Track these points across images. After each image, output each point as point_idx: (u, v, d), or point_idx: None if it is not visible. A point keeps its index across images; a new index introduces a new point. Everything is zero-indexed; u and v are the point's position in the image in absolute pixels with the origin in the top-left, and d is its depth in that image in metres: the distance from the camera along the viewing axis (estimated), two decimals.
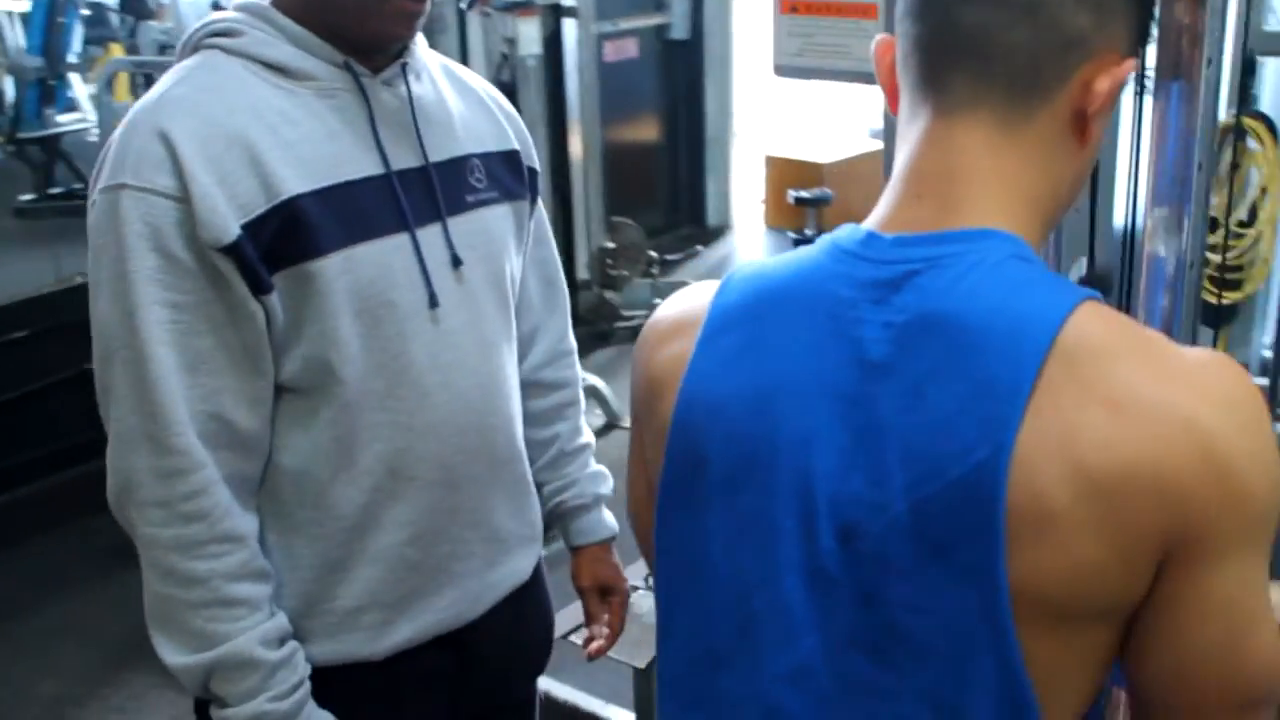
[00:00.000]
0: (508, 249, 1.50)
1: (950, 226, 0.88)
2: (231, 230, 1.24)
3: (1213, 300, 3.39)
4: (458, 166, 1.45)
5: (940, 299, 0.85)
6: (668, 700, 1.03)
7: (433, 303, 1.37)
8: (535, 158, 1.58)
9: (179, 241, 1.24)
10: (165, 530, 1.27)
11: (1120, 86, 0.90)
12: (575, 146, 5.07)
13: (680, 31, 6.19)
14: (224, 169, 1.25)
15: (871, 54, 1.01)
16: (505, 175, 1.51)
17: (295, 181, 1.28)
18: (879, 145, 5.74)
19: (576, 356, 1.73)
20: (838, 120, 8.14)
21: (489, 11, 4.62)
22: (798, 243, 6.53)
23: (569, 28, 5.03)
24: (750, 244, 6.78)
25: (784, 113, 8.40)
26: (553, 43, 4.98)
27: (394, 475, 1.39)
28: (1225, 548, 0.81)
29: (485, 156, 1.49)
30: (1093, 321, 0.84)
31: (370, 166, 1.35)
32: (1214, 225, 3.49)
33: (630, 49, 5.92)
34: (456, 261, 1.40)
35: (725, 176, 6.84)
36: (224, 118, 1.27)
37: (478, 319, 1.43)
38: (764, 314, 0.93)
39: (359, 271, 1.32)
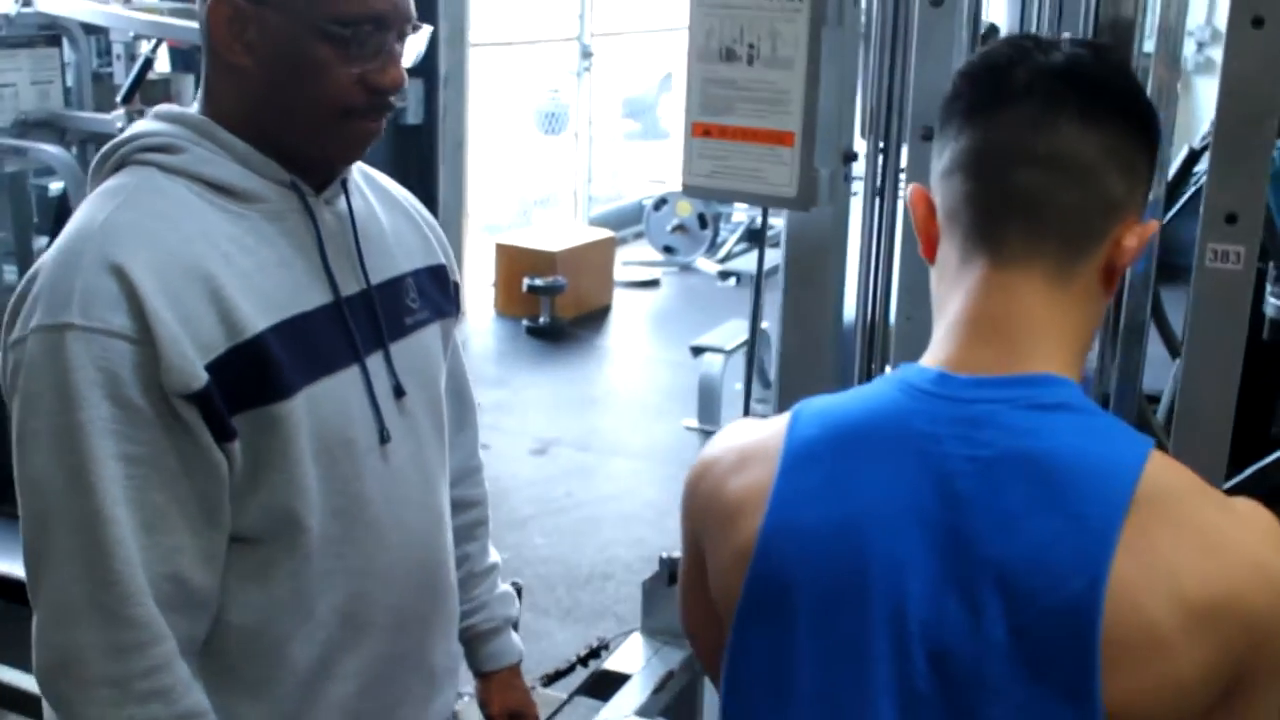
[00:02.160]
0: (440, 370, 1.46)
1: (1016, 370, 0.98)
2: (199, 375, 1.14)
3: None
4: (395, 287, 1.39)
5: (1024, 438, 0.95)
6: None
7: (383, 437, 1.31)
8: (457, 269, 1.55)
9: (136, 388, 1.12)
10: (116, 711, 1.13)
11: (1144, 244, 1.01)
12: None
13: (414, 117, 6.15)
14: (185, 306, 1.15)
15: (907, 200, 1.12)
16: (434, 292, 1.46)
17: (257, 317, 1.19)
18: (605, 234, 5.93)
19: (483, 473, 1.69)
20: (558, 213, 8.28)
21: None
22: (531, 330, 6.61)
23: None
24: (480, 331, 6.76)
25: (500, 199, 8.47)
26: None
27: (348, 624, 1.31)
28: (1276, 670, 0.93)
29: (416, 274, 1.44)
30: (1166, 468, 0.95)
31: (320, 294, 1.27)
32: None
33: None
34: (399, 391, 1.34)
35: (459, 263, 6.80)
36: (180, 247, 1.17)
37: (419, 449, 1.38)
38: (847, 447, 0.99)
39: (320, 411, 1.24)
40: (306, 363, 1.23)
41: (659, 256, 7.79)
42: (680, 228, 7.69)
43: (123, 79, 4.06)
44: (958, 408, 0.97)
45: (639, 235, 8.17)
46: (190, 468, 1.16)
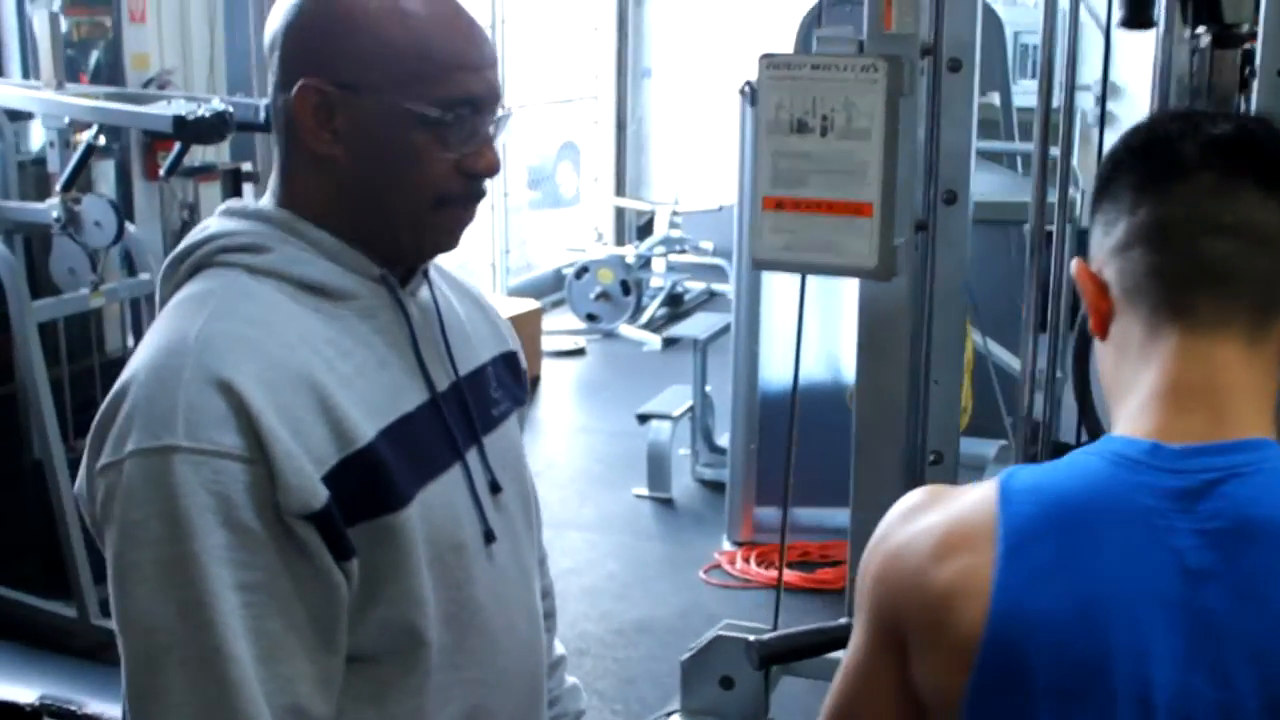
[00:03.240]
0: (525, 461, 1.41)
1: (1226, 437, 0.98)
2: (319, 493, 1.07)
3: None
4: (480, 378, 1.34)
5: (1255, 507, 0.94)
6: None
7: (489, 538, 1.24)
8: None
9: (250, 510, 1.05)
10: None
11: None
12: None
13: None
14: (296, 419, 1.08)
15: (1073, 275, 1.10)
16: (509, 380, 1.41)
17: (366, 424, 1.12)
18: (531, 304, 5.77)
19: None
20: None
21: (164, 179, 4.31)
22: None
23: (248, 193, 4.80)
24: None
25: None
26: None
27: None
28: None
29: (494, 362, 1.38)
30: None
31: (418, 393, 1.21)
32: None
33: None
34: (496, 487, 1.28)
35: None
36: (284, 356, 1.10)
37: (516, 546, 1.32)
38: (1070, 525, 0.97)
39: (432, 516, 1.17)
40: (415, 467, 1.17)
41: (581, 324, 7.76)
42: (604, 295, 7.69)
43: (56, 167, 3.91)
44: (1178, 479, 0.96)
45: (557, 304, 8.14)
46: (304, 590, 1.09)
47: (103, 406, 1.11)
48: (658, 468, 5.22)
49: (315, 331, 1.14)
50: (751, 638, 1.64)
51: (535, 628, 1.36)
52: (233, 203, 1.22)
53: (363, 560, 1.12)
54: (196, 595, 1.03)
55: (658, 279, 8.39)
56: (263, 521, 1.05)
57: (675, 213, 8.65)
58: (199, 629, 1.03)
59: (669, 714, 2.22)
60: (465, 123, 1.16)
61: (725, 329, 5.58)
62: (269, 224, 1.18)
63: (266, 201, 1.21)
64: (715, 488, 5.29)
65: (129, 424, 1.07)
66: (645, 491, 5.22)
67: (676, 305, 8.25)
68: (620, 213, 9.37)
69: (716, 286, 8.61)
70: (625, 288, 7.69)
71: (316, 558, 1.08)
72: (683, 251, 8.57)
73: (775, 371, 4.75)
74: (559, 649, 1.60)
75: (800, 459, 4.61)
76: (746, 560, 4.62)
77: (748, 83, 4.50)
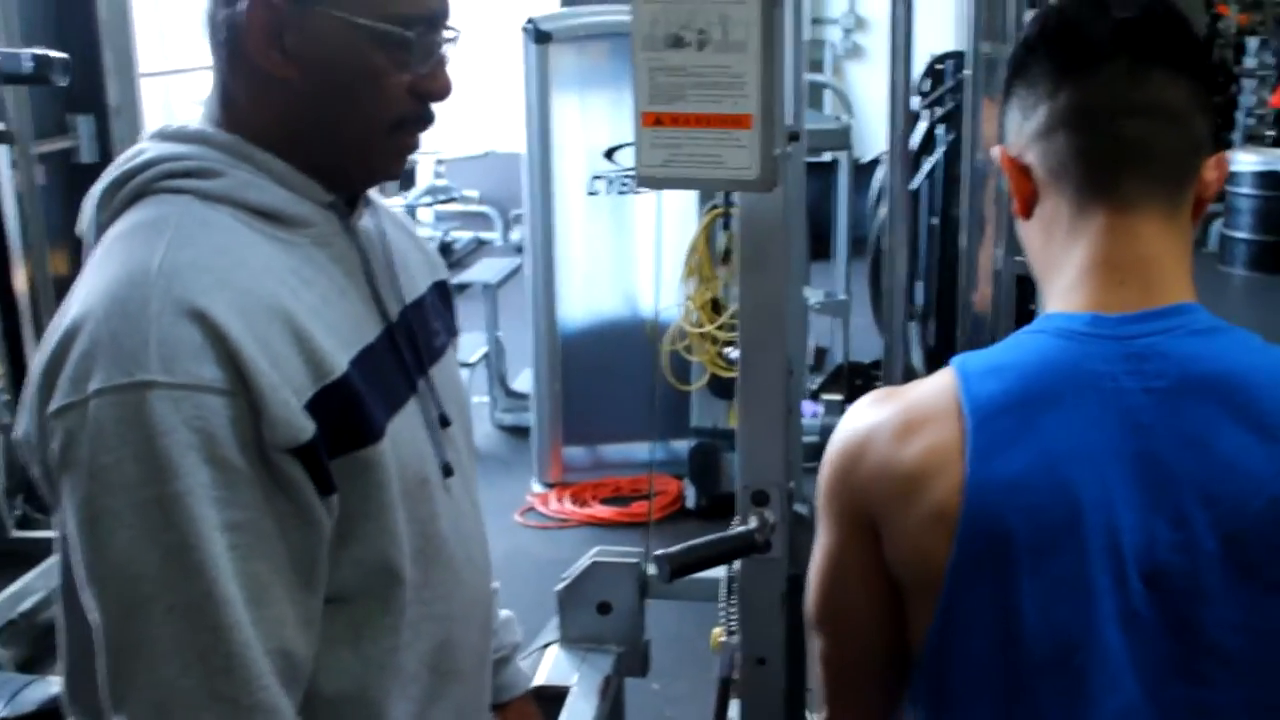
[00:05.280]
0: (467, 393, 1.39)
1: (1158, 304, 1.06)
2: (306, 426, 1.03)
3: (723, 374, 3.84)
4: (422, 308, 1.31)
5: (1194, 363, 1.03)
6: None
7: (447, 471, 1.23)
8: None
9: (234, 447, 1.00)
10: None
11: (1225, 176, 1.13)
12: (20, 280, 4.49)
13: (87, 155, 5.68)
14: (273, 350, 1.04)
15: (995, 162, 1.17)
16: (443, 310, 1.39)
17: (338, 354, 1.09)
18: None
19: None
20: None
21: None
22: None
23: (1, 153, 4.46)
24: None
25: None
26: None
27: (436, 674, 1.23)
28: None
29: (430, 291, 1.36)
30: None
31: (375, 323, 1.18)
32: (716, 306, 3.96)
33: (38, 175, 5.33)
34: (445, 420, 1.26)
35: None
36: (254, 284, 1.06)
37: (466, 480, 1.31)
38: (1031, 397, 1.04)
39: (400, 450, 1.15)
40: (383, 399, 1.14)
41: None
42: None
43: None
44: (1121, 345, 1.03)
45: None
46: (287, 529, 1.05)
47: (47, 347, 1.03)
48: None
49: (278, 260, 1.09)
50: (659, 552, 1.67)
51: (487, 561, 1.36)
52: (169, 127, 1.14)
53: (341, 496, 1.08)
54: (182, 538, 0.98)
55: (426, 230, 8.26)
56: (247, 458, 1.01)
57: (439, 160, 8.52)
58: (187, 573, 0.98)
59: (546, 646, 2.22)
60: (423, 42, 1.12)
61: (515, 272, 5.58)
62: (216, 147, 1.12)
63: (202, 124, 1.14)
64: (516, 432, 5.30)
65: (89, 362, 0.99)
66: None
67: (446, 256, 8.15)
68: None
69: (484, 234, 8.56)
70: None
71: (300, 494, 1.04)
72: (449, 200, 8.46)
73: (572, 310, 4.77)
74: (493, 581, 1.59)
75: (604, 397, 4.70)
76: (560, 500, 4.65)
77: (530, 20, 4.47)
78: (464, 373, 5.12)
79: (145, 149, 1.13)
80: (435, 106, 1.18)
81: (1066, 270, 1.09)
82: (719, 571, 2.17)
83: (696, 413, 4.44)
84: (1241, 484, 0.99)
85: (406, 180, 8.87)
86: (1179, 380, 1.02)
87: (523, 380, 5.34)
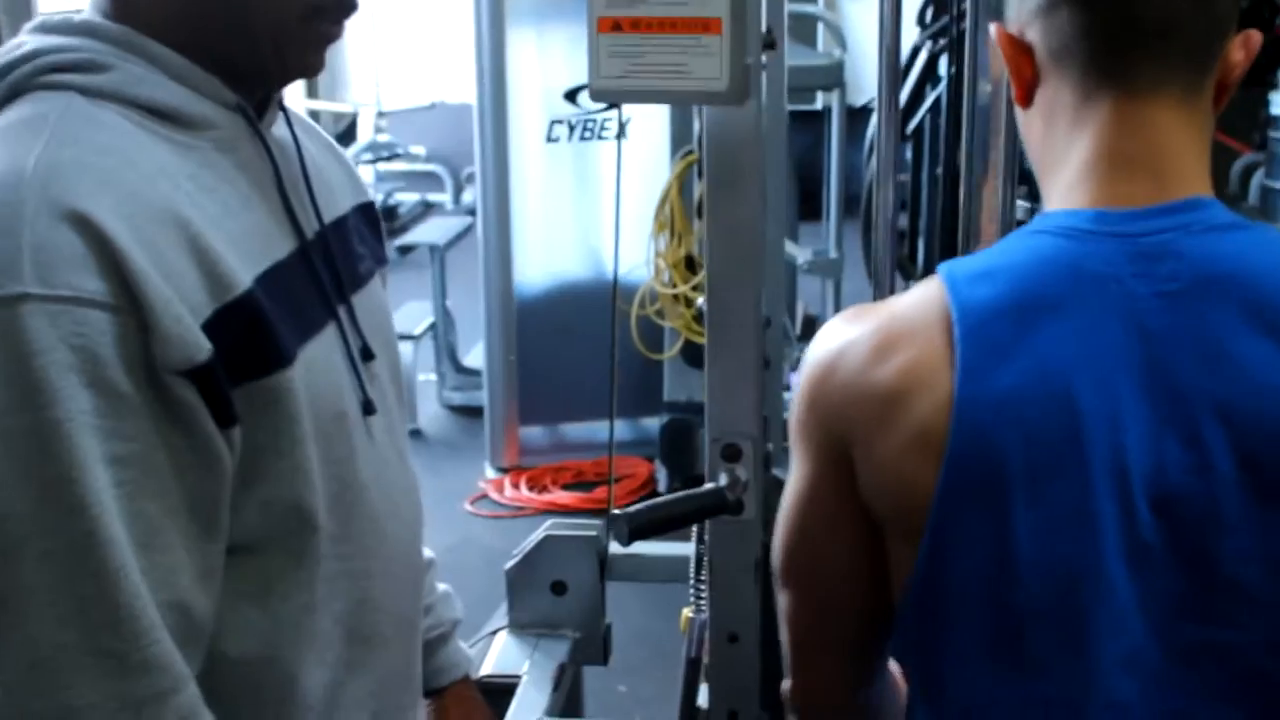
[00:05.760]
0: (395, 330, 1.38)
1: (1171, 198, 1.04)
2: (202, 345, 1.02)
3: (699, 340, 3.84)
4: (343, 229, 1.30)
5: (1212, 264, 1.02)
6: None
7: (368, 408, 1.22)
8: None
9: (120, 368, 0.98)
10: None
11: (1253, 56, 1.11)
12: None
13: None
14: (165, 260, 1.02)
15: (991, 42, 1.18)
16: (369, 235, 1.38)
17: (241, 269, 1.07)
18: None
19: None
20: None
21: None
22: None
23: None
24: None
25: None
26: None
27: (354, 639, 1.22)
28: None
29: (354, 213, 1.35)
30: None
31: (286, 240, 1.17)
32: (690, 264, 3.95)
33: None
34: (368, 353, 1.25)
35: None
36: (143, 187, 1.04)
37: (391, 423, 1.29)
38: (1027, 302, 1.03)
39: (314, 380, 1.14)
40: (294, 322, 1.13)
41: None
42: None
43: None
44: (1128, 243, 1.02)
45: None
46: (182, 465, 1.03)
47: None
48: None
49: (172, 163, 1.08)
50: (617, 511, 1.66)
51: (414, 515, 1.35)
52: (51, 16, 1.12)
53: (244, 429, 1.07)
54: (60, 471, 0.96)
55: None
56: (134, 382, 0.99)
57: (380, 114, 8.48)
58: (66, 512, 0.96)
59: (494, 633, 2.21)
60: None
61: (466, 232, 5.56)
62: (103, 39, 1.10)
63: (89, 14, 1.13)
64: (467, 412, 5.29)
65: None
66: None
67: (390, 220, 8.11)
68: (315, 117, 9.11)
69: (432, 197, 8.53)
70: None
71: (196, 425, 1.03)
72: (392, 158, 8.43)
73: (530, 274, 4.76)
74: (427, 552, 1.58)
75: (563, 369, 4.69)
76: (516, 486, 4.65)
77: None
78: (407, 346, 5.11)
79: (24, 41, 1.12)
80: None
81: (1069, 164, 1.08)
82: (688, 548, 2.17)
83: (669, 385, 4.43)
84: (1263, 398, 0.98)
85: (345, 135, 8.83)
86: (1193, 282, 1.01)
87: (475, 356, 5.33)
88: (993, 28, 1.14)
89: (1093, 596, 1.01)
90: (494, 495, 4.65)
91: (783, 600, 1.18)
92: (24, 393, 0.95)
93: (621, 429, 4.72)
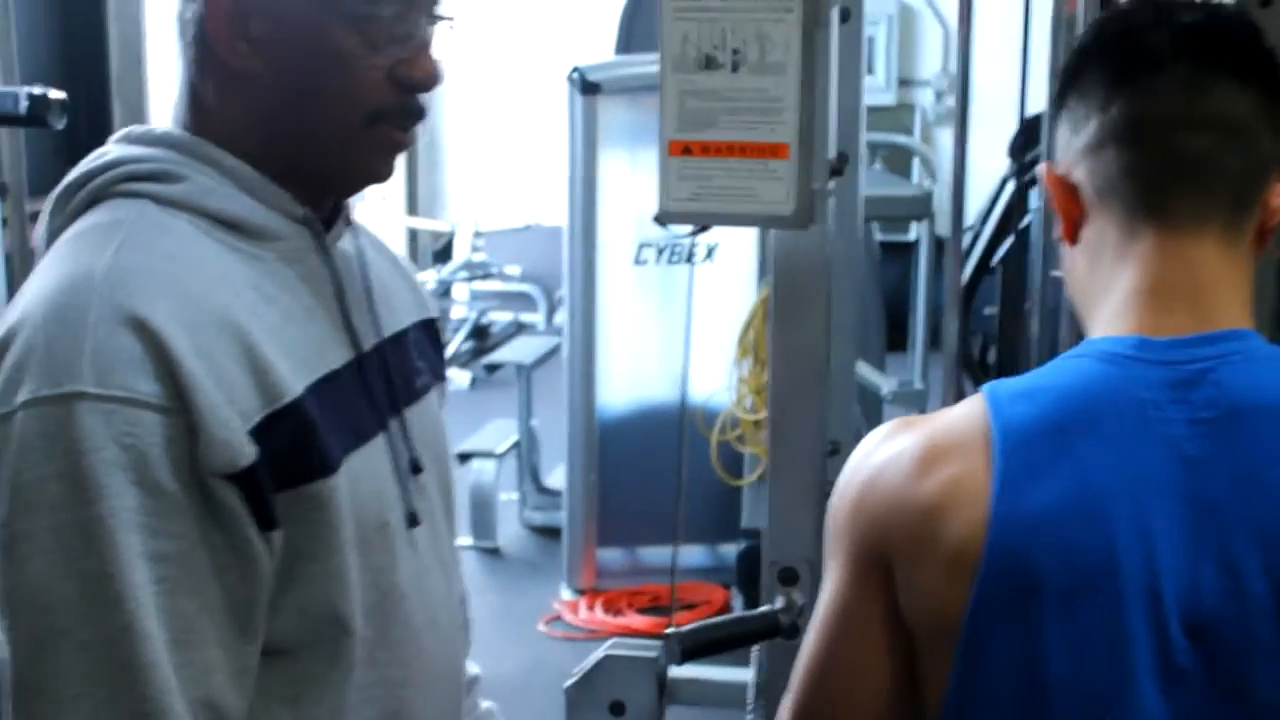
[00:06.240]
0: (448, 444, 1.42)
1: (1211, 329, 1.08)
2: (246, 450, 1.06)
3: None
4: (403, 343, 1.35)
5: (1249, 392, 1.05)
6: None
7: (412, 520, 1.25)
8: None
9: (167, 469, 1.03)
10: None
11: None
12: None
13: None
14: (219, 365, 1.07)
15: (1041, 182, 1.20)
16: (430, 351, 1.42)
17: (293, 378, 1.12)
18: None
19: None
20: None
21: None
22: None
23: None
24: None
25: None
26: None
27: None
28: None
29: (415, 328, 1.39)
30: None
31: (343, 351, 1.22)
32: None
33: (32, 236, 5.50)
34: (416, 467, 1.29)
35: None
36: (204, 294, 1.09)
37: (437, 536, 1.33)
38: (1067, 422, 1.06)
39: (359, 489, 1.17)
40: (343, 431, 1.17)
41: None
42: None
43: None
44: (1169, 370, 1.06)
45: None
46: (221, 566, 1.07)
47: None
48: (482, 514, 5.21)
49: (236, 272, 1.13)
50: (670, 629, 1.68)
51: (456, 628, 1.37)
52: (134, 129, 1.20)
53: (285, 534, 1.11)
54: (102, 566, 1.00)
55: (460, 308, 8.38)
56: (180, 482, 1.04)
57: (477, 233, 8.68)
58: (104, 605, 1.01)
59: None
60: (399, 21, 1.17)
61: (553, 352, 5.64)
62: (180, 151, 1.17)
63: (170, 127, 1.20)
64: (546, 533, 5.32)
65: (20, 372, 1.03)
66: (469, 541, 5.20)
67: (483, 339, 8.26)
68: (413, 235, 9.34)
69: (525, 317, 8.67)
70: None
71: (237, 527, 1.07)
72: (487, 277, 8.60)
73: (614, 396, 4.82)
74: (472, 668, 1.60)
75: (644, 493, 4.71)
76: (591, 608, 4.65)
77: (576, 69, 4.59)
78: (490, 464, 5.18)
79: (108, 151, 1.19)
80: (425, 100, 1.22)
81: (1112, 296, 1.12)
82: (748, 674, 2.18)
83: (748, 512, 4.43)
84: None
85: (442, 254, 9.03)
86: (1231, 410, 1.04)
87: (557, 476, 5.37)
88: (1041, 167, 1.19)
89: (1125, 718, 1.02)
90: (568, 617, 4.66)
91: None
92: (73, 488, 1.01)
93: (699, 555, 4.72)
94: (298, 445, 1.11)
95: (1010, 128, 4.20)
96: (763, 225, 1.70)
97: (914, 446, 1.10)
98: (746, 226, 1.66)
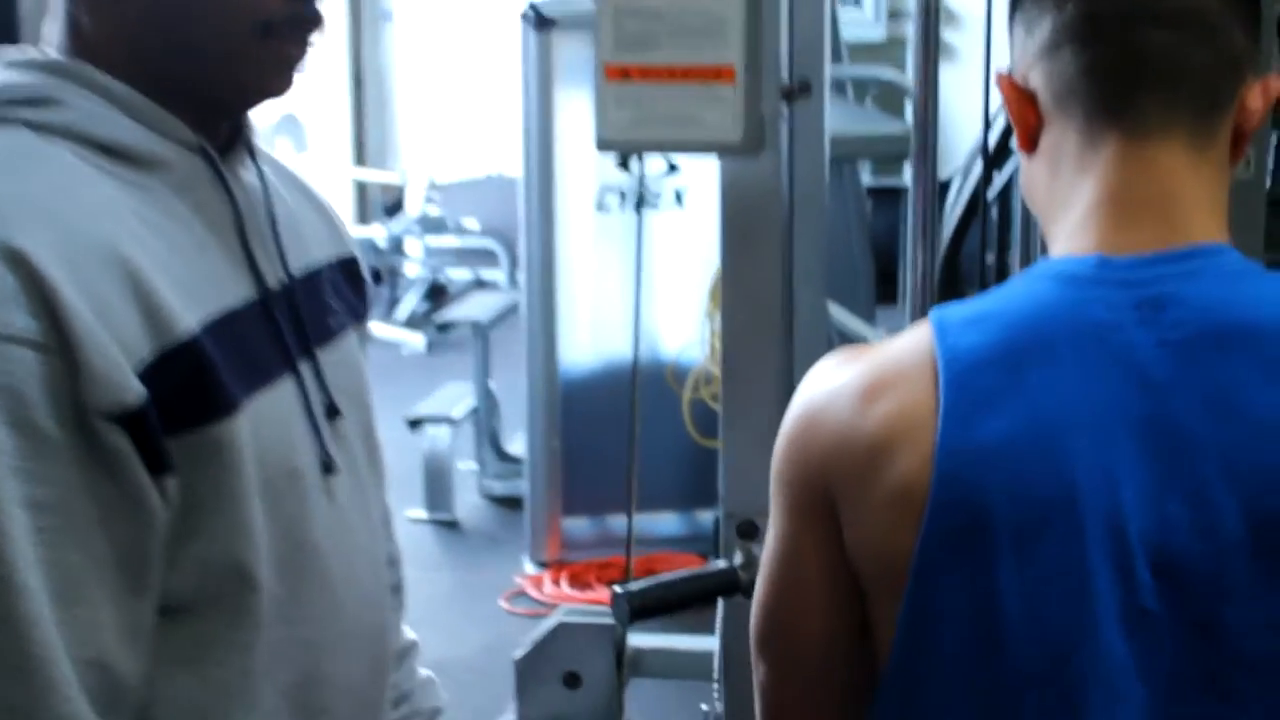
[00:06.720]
0: (368, 387, 1.41)
1: (1180, 244, 1.06)
2: (133, 388, 1.04)
3: None
4: (315, 281, 1.33)
5: (1223, 311, 1.03)
6: None
7: (328, 467, 1.24)
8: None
9: (46, 410, 1.01)
10: None
11: (1271, 103, 1.13)
12: None
13: None
14: (103, 299, 1.05)
15: (997, 89, 1.18)
16: (347, 290, 1.41)
17: (186, 314, 1.10)
18: None
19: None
20: None
21: None
22: None
23: None
24: None
25: None
26: None
27: (299, 715, 1.22)
28: None
29: (331, 266, 1.38)
30: None
31: (243, 287, 1.20)
32: None
33: None
34: (333, 410, 1.28)
35: None
36: (86, 225, 1.07)
37: (360, 485, 1.31)
38: (1018, 349, 1.05)
39: (263, 432, 1.16)
40: (244, 371, 1.16)
41: None
42: None
43: None
44: (1131, 290, 1.04)
45: None
46: (109, 516, 1.05)
47: None
48: (437, 484, 5.21)
49: (121, 203, 1.11)
50: (619, 589, 1.68)
51: (380, 586, 1.36)
52: (10, 51, 1.19)
53: (181, 481, 1.09)
54: None
55: (414, 265, 8.36)
56: (61, 424, 1.02)
57: (432, 185, 8.64)
58: None
59: None
60: None
61: (512, 309, 5.63)
62: (58, 75, 1.15)
63: (53, 52, 1.18)
64: (508, 504, 5.32)
65: None
66: (424, 514, 5.20)
67: (439, 298, 8.24)
68: (361, 188, 9.30)
69: (486, 274, 8.65)
70: (376, 276, 7.65)
71: (126, 473, 1.05)
72: (442, 232, 8.58)
73: (577, 354, 4.82)
74: (409, 634, 1.59)
75: (611, 457, 4.71)
76: (556, 582, 4.66)
77: (531, 6, 4.56)
78: (445, 430, 5.18)
79: None
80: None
81: (1074, 208, 1.10)
82: (714, 642, 2.18)
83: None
84: (1276, 454, 1.00)
85: (393, 208, 9.00)
86: (1201, 331, 1.03)
87: (517, 443, 5.37)
88: (996, 74, 1.17)
89: (1087, 665, 1.01)
90: (532, 592, 4.67)
91: (760, 671, 1.19)
92: None
93: (672, 523, 4.73)
94: (192, 385, 1.09)
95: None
96: (708, 150, 1.69)
97: (856, 379, 1.09)
98: (691, 154, 1.65)
